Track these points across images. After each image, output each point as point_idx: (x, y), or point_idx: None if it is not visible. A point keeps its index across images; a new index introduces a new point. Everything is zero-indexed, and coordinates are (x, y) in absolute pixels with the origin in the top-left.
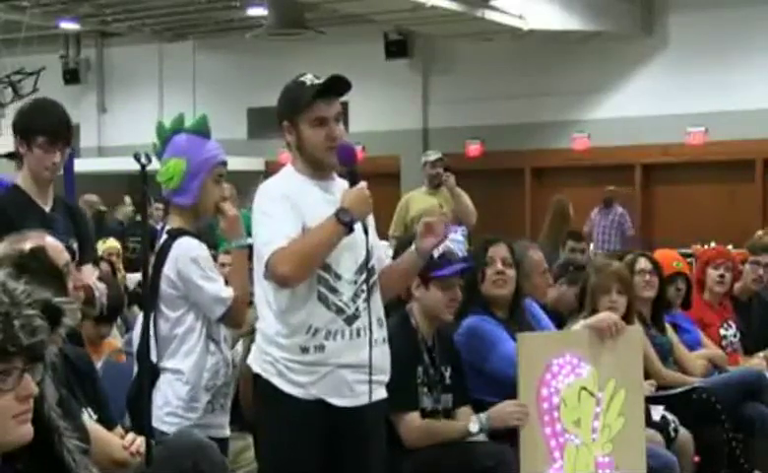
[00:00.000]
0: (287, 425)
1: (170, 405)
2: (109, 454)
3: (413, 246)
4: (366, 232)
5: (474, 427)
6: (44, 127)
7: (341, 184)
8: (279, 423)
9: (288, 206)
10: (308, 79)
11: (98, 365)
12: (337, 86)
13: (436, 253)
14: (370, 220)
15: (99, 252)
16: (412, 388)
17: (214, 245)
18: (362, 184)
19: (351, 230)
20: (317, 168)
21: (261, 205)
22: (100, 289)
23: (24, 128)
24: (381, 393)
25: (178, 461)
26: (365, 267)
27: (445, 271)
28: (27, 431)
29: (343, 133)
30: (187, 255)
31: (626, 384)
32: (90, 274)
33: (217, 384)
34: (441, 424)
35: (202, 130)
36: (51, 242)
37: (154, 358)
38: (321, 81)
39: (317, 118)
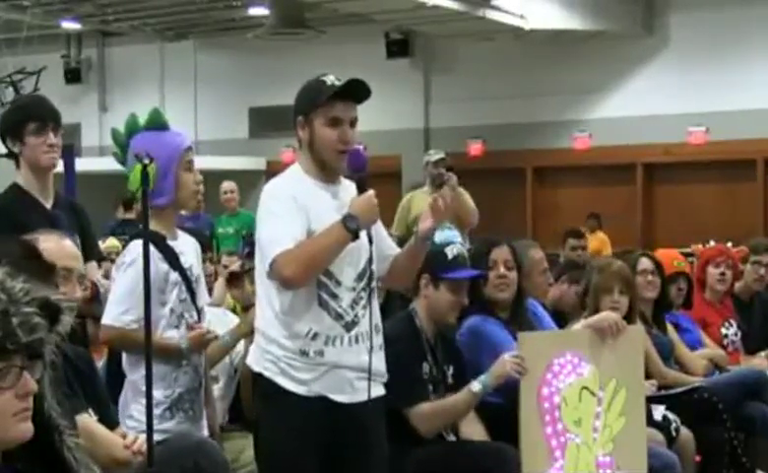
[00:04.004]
0: (290, 422)
1: (129, 408)
2: (111, 454)
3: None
4: (371, 240)
5: (475, 387)
6: (30, 114)
7: (347, 186)
8: (282, 421)
9: (295, 207)
10: (329, 78)
11: (99, 365)
12: (357, 90)
13: (450, 255)
14: (379, 225)
15: None
16: (420, 382)
17: (214, 247)
18: (371, 192)
19: (356, 237)
20: (324, 170)
21: (268, 204)
22: (105, 285)
23: (11, 125)
24: (379, 390)
25: (180, 461)
26: (365, 274)
27: (458, 274)
28: (27, 428)
29: (355, 139)
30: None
31: (627, 384)
32: (94, 271)
33: (176, 392)
34: (445, 400)
35: (157, 124)
36: (69, 247)
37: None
38: (342, 82)
39: (333, 118)
